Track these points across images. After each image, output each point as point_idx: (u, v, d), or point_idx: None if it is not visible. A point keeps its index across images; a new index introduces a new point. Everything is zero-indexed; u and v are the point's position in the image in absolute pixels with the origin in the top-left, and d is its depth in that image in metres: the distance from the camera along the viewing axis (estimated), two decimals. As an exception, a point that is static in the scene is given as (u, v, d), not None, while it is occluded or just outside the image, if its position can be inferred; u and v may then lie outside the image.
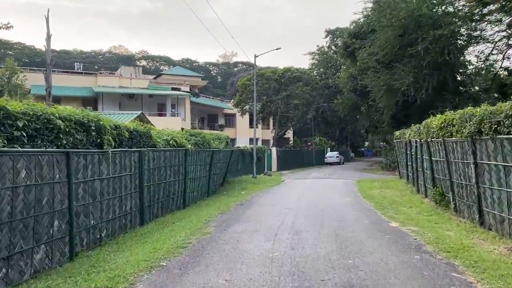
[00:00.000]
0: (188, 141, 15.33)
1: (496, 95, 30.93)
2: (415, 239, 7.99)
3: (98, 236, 8.75)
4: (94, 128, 8.56)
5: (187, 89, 43.39)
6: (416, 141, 15.60)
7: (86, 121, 8.31)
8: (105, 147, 9.00)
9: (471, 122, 9.03)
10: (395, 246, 7.39)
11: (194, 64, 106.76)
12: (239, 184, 21.09)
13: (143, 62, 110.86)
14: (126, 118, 19.96)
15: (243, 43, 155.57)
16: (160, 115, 42.21)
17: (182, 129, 24.70)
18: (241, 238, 8.14)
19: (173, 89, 40.98)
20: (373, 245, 7.47)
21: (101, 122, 8.80)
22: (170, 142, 13.41)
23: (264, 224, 9.67)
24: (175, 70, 60.09)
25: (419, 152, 14.98)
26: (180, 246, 7.55)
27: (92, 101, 37.80)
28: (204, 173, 16.65)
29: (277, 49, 25.49)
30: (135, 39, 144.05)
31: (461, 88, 33.04)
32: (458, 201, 10.51)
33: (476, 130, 8.79)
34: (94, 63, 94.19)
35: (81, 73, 41.08)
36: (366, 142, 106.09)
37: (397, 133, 22.25)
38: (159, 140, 12.57)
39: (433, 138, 11.95)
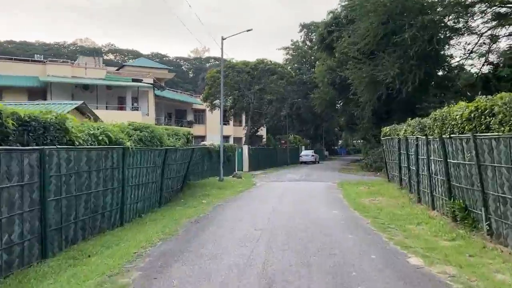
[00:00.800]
0: (130, 136, 11.80)
1: (468, 94, 28.89)
2: (465, 296, 4.87)
3: None
4: None
5: (151, 81, 39.37)
6: (417, 138, 12.64)
7: None
8: (-42, 144, 5.47)
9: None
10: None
11: (164, 58, 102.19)
12: (202, 189, 17.65)
13: (111, 56, 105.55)
14: (58, 109, 16.14)
15: (216, 38, 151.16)
16: (120, 109, 38.13)
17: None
18: (176, 300, 4.78)
19: (134, 80, 36.92)
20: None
21: None
22: (100, 138, 9.88)
23: (222, 263, 6.33)
24: (139, 61, 55.77)
25: (422, 152, 12.01)
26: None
27: (39, 92, 33.30)
28: (153, 177, 13.14)
29: (247, 30, 22.16)
30: (103, 33, 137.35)
31: (446, 82, 30.75)
32: (496, 222, 7.49)
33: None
34: (57, 55, 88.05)
35: (27, 60, 36.32)
36: (340, 140, 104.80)
37: (386, 129, 19.35)
38: (79, 134, 9.02)
39: (453, 133, 8.93)
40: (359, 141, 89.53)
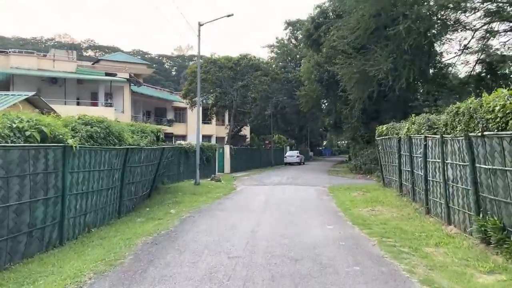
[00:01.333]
0: (76, 132, 9.47)
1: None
2: None
3: None
4: None
5: (127, 76, 36.70)
6: (426, 137, 10.65)
7: None
8: None
9: None
10: None
11: (146, 55, 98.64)
12: (174, 195, 15.36)
13: (90, 52, 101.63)
14: (2, 101, 13.60)
15: (195, 28, 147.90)
16: (93, 105, 35.37)
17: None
18: None
19: (107, 74, 34.24)
20: None
21: None
22: (28, 134, 7.53)
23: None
24: (116, 56, 52.85)
25: (434, 154, 10.01)
26: None
27: (1, 85, 30.34)
28: (109, 182, 10.78)
29: (228, 15, 19.89)
30: (83, 30, 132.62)
31: (439, 80, 29.11)
32: (559, 252, 5.47)
33: None
34: (34, 51, 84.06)
35: (-14, 51, 33.32)
36: (325, 141, 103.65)
37: (382, 128, 17.37)
38: (-8, 128, 6.69)
39: (488, 130, 6.89)
40: (344, 142, 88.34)
